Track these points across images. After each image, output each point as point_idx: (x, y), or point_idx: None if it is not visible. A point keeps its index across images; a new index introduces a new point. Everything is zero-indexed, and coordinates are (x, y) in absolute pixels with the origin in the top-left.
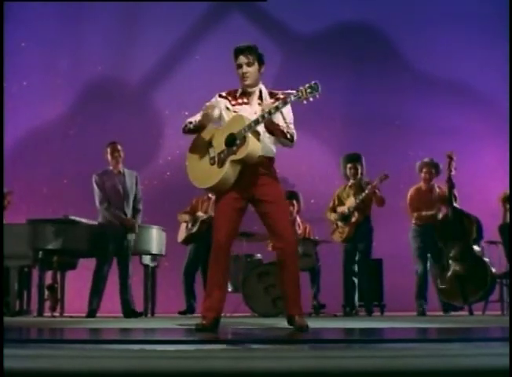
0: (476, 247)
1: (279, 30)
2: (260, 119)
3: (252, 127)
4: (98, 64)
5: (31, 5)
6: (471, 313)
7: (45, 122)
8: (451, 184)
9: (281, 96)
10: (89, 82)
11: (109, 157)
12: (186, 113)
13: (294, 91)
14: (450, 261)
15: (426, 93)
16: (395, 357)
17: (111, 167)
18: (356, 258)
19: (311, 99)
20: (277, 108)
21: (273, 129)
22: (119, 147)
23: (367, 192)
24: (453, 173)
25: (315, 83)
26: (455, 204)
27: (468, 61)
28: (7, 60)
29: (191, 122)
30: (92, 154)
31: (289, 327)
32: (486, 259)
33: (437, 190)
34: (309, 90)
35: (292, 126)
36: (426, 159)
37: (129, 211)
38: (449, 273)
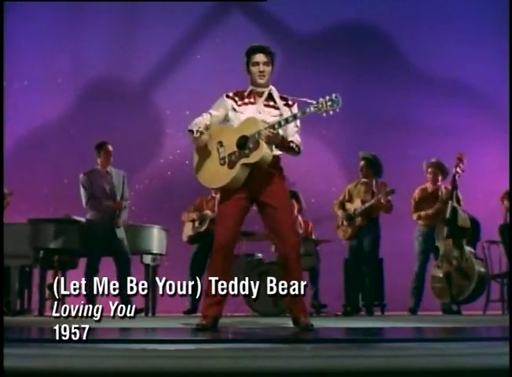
0: (469, 248)
1: (279, 29)
2: (276, 126)
3: (265, 133)
4: (99, 63)
5: (31, 5)
6: (459, 313)
7: (46, 121)
8: (454, 185)
9: (290, 102)
10: (90, 82)
11: (101, 157)
12: (187, 113)
13: (314, 102)
14: (442, 260)
15: (427, 93)
16: (395, 357)
17: (98, 167)
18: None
19: (331, 112)
20: (295, 117)
21: (286, 147)
22: (111, 147)
23: (373, 201)
24: (459, 174)
25: (336, 96)
26: (454, 204)
27: (469, 61)
28: (7, 60)
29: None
30: (92, 153)
31: (290, 326)
32: (477, 260)
33: (444, 191)
34: (329, 103)
35: (297, 135)
36: (433, 160)
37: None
38: (440, 272)
